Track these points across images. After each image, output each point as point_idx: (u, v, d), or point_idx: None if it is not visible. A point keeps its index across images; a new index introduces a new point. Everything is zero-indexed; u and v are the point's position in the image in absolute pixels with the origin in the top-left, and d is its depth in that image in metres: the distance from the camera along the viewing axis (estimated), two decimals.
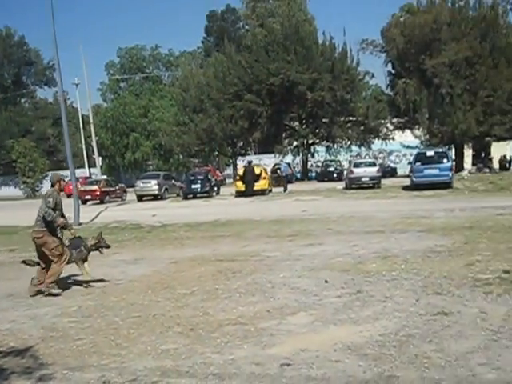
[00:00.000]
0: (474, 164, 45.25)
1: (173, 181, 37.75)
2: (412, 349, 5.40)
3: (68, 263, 9.09)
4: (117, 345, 6.00)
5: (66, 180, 9.61)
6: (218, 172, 47.24)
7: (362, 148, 50.28)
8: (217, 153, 54.14)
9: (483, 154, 46.81)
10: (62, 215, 9.13)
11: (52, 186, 9.28)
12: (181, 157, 57.46)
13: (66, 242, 9.19)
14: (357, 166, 34.40)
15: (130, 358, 5.53)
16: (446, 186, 27.44)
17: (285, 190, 33.91)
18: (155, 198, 34.51)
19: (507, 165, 47.12)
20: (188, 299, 7.85)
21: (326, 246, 12.00)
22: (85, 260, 9.34)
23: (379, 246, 11.64)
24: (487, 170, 41.38)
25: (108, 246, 9.74)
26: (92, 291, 8.90)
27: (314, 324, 6.39)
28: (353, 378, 4.80)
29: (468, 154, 46.11)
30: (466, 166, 42.96)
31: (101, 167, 57.99)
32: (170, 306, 7.54)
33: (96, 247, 9.48)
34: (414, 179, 28.90)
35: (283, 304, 7.30)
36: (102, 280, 9.56)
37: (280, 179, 36.93)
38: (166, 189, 35.39)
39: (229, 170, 57.56)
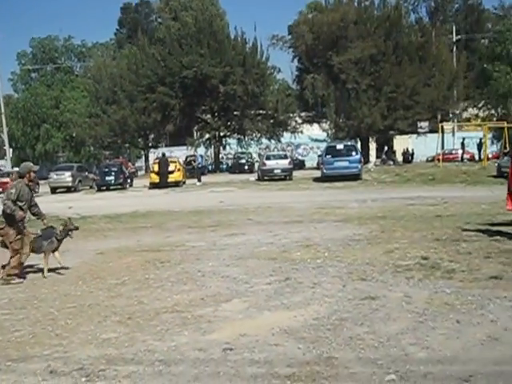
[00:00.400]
0: (378, 157, 46.94)
1: (86, 173, 36.81)
2: (346, 331, 5.64)
3: (38, 253, 9.00)
4: (56, 335, 5.88)
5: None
6: (130, 164, 46.43)
7: (272, 141, 51.01)
8: (128, 145, 53.20)
9: (386, 148, 48.63)
10: (32, 206, 8.89)
11: (21, 177, 8.93)
12: (92, 149, 56.07)
13: (39, 232, 9.09)
14: (269, 158, 34.93)
15: (72, 348, 5.45)
16: (355, 177, 28.41)
17: (199, 181, 33.90)
18: (68, 190, 33.52)
19: (409, 157, 49.28)
20: (120, 289, 7.78)
21: (249, 236, 12.17)
22: (55, 250, 9.14)
23: (300, 235, 11.93)
24: (391, 163, 43.10)
25: (76, 228, 9.56)
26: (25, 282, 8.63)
27: (249, 310, 6.52)
28: (294, 359, 4.96)
29: (372, 147, 47.80)
30: (371, 158, 44.52)
31: (11, 159, 55.58)
32: (104, 296, 7.45)
33: (66, 232, 9.25)
34: (325, 171, 29.71)
35: (216, 292, 7.38)
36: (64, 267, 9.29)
37: (194, 171, 36.88)
38: (80, 181, 34.48)
39: (140, 162, 56.76)
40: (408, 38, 44.38)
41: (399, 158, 48.05)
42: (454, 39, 58.08)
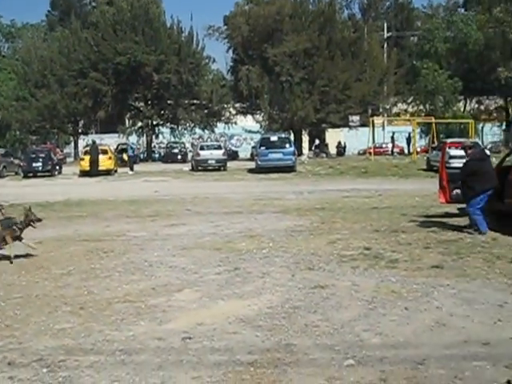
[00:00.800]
0: (310, 149, 47.59)
1: (11, 158, 35.55)
2: (300, 319, 5.79)
3: None
4: (7, 326, 5.72)
5: None
6: (58, 150, 45.10)
7: (206, 131, 50.82)
8: (57, 130, 51.66)
9: (317, 141, 49.37)
10: None
11: None
12: (18, 133, 54.07)
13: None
14: (203, 148, 34.83)
15: (26, 339, 5.32)
16: (290, 169, 28.79)
17: (131, 170, 33.43)
18: None
19: (342, 150, 50.35)
20: (67, 279, 7.64)
21: (190, 226, 12.17)
22: (17, 239, 8.91)
23: (242, 226, 12.04)
24: (324, 155, 43.84)
25: (39, 220, 9.30)
26: None
27: (203, 300, 6.57)
28: (254, 347, 5.06)
29: (305, 139, 48.43)
30: (304, 151, 45.11)
31: None
32: (51, 286, 7.29)
33: (27, 223, 9.02)
34: (259, 162, 29.93)
35: (166, 282, 7.38)
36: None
37: (126, 159, 36.30)
38: (5, 166, 33.24)
39: (69, 149, 55.24)
40: (341, 34, 45.13)
41: (333, 150, 48.95)
42: (385, 36, 59.53)
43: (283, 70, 42.63)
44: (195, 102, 48.06)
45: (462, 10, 57.29)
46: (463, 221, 11.49)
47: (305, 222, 12.18)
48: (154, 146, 53.08)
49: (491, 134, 51.83)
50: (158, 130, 50.25)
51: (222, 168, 32.95)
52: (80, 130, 51.51)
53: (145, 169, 35.33)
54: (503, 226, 10.55)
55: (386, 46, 57.02)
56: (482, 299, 6.33)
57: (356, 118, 48.55)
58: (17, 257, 8.80)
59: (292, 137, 44.64)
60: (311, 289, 6.87)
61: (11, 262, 8.65)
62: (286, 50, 42.39)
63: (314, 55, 43.30)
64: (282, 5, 44.16)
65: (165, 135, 51.07)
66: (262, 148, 30.31)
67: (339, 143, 51.24)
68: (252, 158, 41.19)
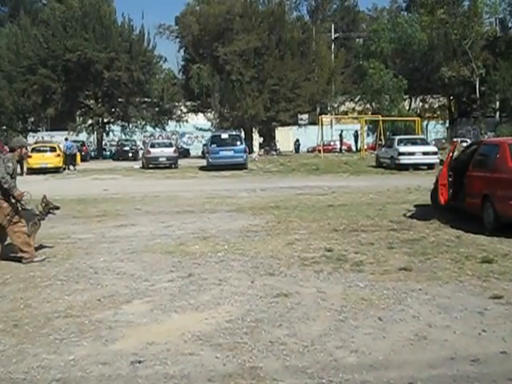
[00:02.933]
0: (261, 147, 46.99)
1: None
2: (265, 335, 5.01)
3: None
4: None
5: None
6: (6, 148, 42.96)
7: (157, 129, 49.52)
8: (5, 127, 49.38)
9: (261, 139, 48.88)
10: None
11: (11, 150, 8.10)
12: None
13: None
14: (154, 146, 33.71)
15: None
16: (241, 166, 28.01)
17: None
18: None
19: (298, 148, 50.41)
20: (2, 289, 6.62)
21: (140, 227, 11.21)
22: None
23: (194, 226, 11.18)
24: (274, 153, 43.27)
25: (57, 207, 9.06)
26: None
27: (154, 313, 5.70)
28: (214, 372, 4.25)
29: (256, 137, 47.78)
30: (254, 148, 44.43)
31: None
32: None
33: (46, 212, 8.74)
34: (211, 160, 29.05)
35: (113, 291, 6.48)
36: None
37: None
38: None
39: None
40: (290, 34, 44.78)
41: (283, 148, 48.69)
42: (333, 37, 59.49)
43: (234, 68, 41.87)
44: (146, 100, 46.73)
45: (405, 14, 57.54)
46: (420, 218, 11.03)
47: (260, 222, 11.41)
48: (105, 144, 51.46)
49: (435, 131, 52.26)
50: (109, 127, 48.62)
51: (173, 166, 31.87)
52: (29, 128, 49.37)
53: (95, 166, 33.91)
54: (464, 222, 10.12)
55: (333, 46, 56.99)
56: (459, 306, 5.70)
57: (305, 116, 48.31)
58: None
59: (242, 135, 44.10)
60: (274, 297, 6.09)
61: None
62: (237, 49, 41.67)
63: (264, 54, 42.77)
64: (232, 4, 43.53)
65: (115, 133, 49.48)
66: (213, 145, 29.41)
67: (297, 140, 51.22)
68: (203, 156, 40.31)
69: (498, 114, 52.33)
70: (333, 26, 61.00)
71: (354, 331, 5.06)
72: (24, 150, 8.49)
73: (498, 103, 51.63)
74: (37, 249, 8.56)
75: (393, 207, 12.86)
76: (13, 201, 8.03)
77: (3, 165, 7.84)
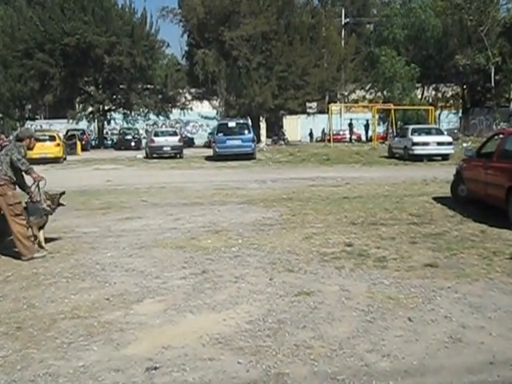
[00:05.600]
0: (268, 136, 46.76)
1: None
2: (289, 338, 4.83)
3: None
4: None
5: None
6: (3, 136, 42.85)
7: (160, 117, 49.28)
8: (1, 115, 49.21)
9: (265, 128, 48.69)
10: None
11: (19, 140, 8.08)
12: None
13: (23, 205, 8.14)
14: (157, 134, 33.46)
15: None
16: (249, 156, 27.79)
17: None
18: None
19: (312, 136, 50.31)
20: (3, 288, 6.44)
21: (147, 220, 11.02)
22: (42, 227, 8.40)
23: (205, 219, 10.99)
24: (282, 143, 43.02)
25: (63, 192, 8.89)
26: None
27: (168, 313, 5.53)
28: (237, 379, 4.08)
29: (263, 126, 47.51)
30: (262, 138, 44.18)
31: None
32: None
33: (56, 205, 8.64)
34: (218, 150, 28.83)
35: (123, 290, 6.30)
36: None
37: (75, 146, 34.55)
38: None
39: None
40: (300, 18, 44.24)
41: (298, 137, 48.51)
42: (343, 22, 59.00)
43: (240, 54, 41.46)
44: (149, 86, 46.43)
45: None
46: (440, 212, 10.84)
47: (273, 214, 11.21)
48: (106, 133, 51.27)
49: (447, 121, 51.83)
50: (110, 115, 48.48)
51: (178, 155, 31.69)
52: (27, 115, 49.15)
53: (96, 156, 33.72)
54: (487, 216, 9.93)
55: (343, 32, 56.48)
56: (492, 305, 5.53)
57: (313, 104, 48.06)
58: None
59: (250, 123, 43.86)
60: (295, 296, 5.91)
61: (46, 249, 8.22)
62: (244, 34, 41.15)
63: (273, 39, 42.28)
64: None
65: (117, 121, 49.37)
66: (220, 134, 29.18)
67: (311, 130, 51.16)
68: (208, 145, 40.15)
69: None
70: (343, 11, 60.45)
71: (383, 333, 4.88)
72: (33, 141, 8.33)
73: None
74: (46, 242, 8.42)
75: (410, 200, 12.65)
76: (18, 190, 7.99)
77: (16, 149, 7.82)
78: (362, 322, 5.17)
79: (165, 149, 31.71)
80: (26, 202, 8.31)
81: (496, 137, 11.63)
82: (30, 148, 8.21)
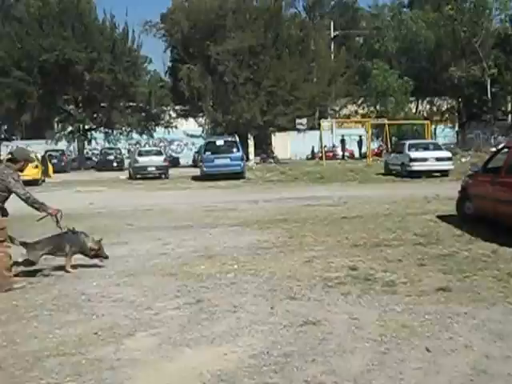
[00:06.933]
0: (256, 154, 46.64)
1: None
2: (298, 373, 4.59)
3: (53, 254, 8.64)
4: None
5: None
6: None
7: (143, 136, 49.01)
8: None
9: (249, 145, 48.49)
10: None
11: (11, 161, 7.86)
12: None
13: (62, 230, 8.63)
14: (141, 154, 33.32)
15: None
16: (239, 176, 27.66)
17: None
18: None
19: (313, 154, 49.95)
20: None
21: (134, 245, 10.75)
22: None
23: (196, 243, 10.74)
24: (271, 161, 42.92)
25: (106, 257, 8.89)
26: None
27: (163, 348, 5.27)
28: None
29: (251, 143, 47.42)
30: (250, 156, 44.07)
31: None
32: None
33: (94, 254, 8.81)
34: (205, 169, 28.70)
35: (112, 322, 6.03)
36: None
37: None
38: None
39: None
40: (288, 32, 44.59)
41: (287, 155, 48.18)
42: (332, 35, 59.41)
43: (227, 69, 41.67)
44: (131, 104, 46.07)
45: (408, 10, 57.40)
46: (447, 231, 10.69)
47: (269, 237, 10.99)
48: (87, 153, 50.89)
49: (443, 135, 52.01)
50: (91, 134, 48.05)
51: (164, 176, 31.49)
52: (2, 136, 48.69)
53: (77, 177, 33.45)
54: (496, 234, 9.77)
55: (332, 45, 56.86)
56: None
57: (304, 120, 48.08)
58: None
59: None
60: (300, 326, 5.68)
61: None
62: (230, 48, 41.38)
63: (260, 54, 42.52)
64: (224, 0, 43.19)
65: (98, 141, 48.97)
66: (208, 153, 29.07)
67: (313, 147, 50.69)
68: (194, 165, 39.97)
69: (510, 116, 52.19)
70: (332, 24, 60.92)
71: (400, 365, 4.66)
72: (27, 165, 8.18)
73: (510, 105, 51.51)
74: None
75: (413, 218, 12.50)
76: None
77: (13, 181, 7.60)
78: (376, 353, 4.95)
79: (149, 169, 31.53)
80: (67, 232, 8.65)
81: (502, 151, 11.52)
82: (21, 170, 7.96)
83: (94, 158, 49.51)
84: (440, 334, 5.35)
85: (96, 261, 8.86)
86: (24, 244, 8.41)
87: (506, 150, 11.29)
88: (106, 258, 8.92)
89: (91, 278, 8.13)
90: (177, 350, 5.20)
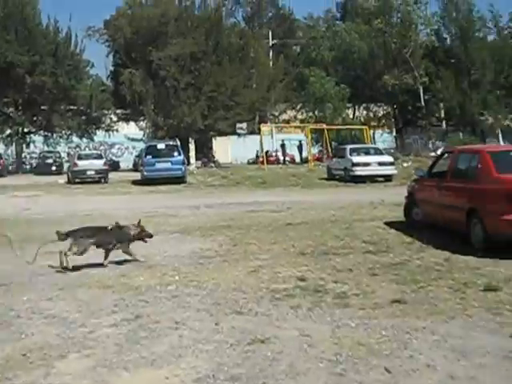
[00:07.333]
0: (197, 158, 45.91)
1: None
2: None
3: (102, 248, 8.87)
4: None
5: None
6: None
7: (84, 139, 47.55)
8: None
9: (190, 149, 47.69)
10: None
11: None
12: None
13: (109, 226, 9.01)
14: (81, 158, 32.16)
15: None
16: (180, 180, 26.96)
17: None
18: None
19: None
20: None
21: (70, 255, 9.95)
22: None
23: (135, 252, 10.00)
24: (212, 165, 42.32)
25: (151, 236, 9.25)
26: None
27: (97, 371, 4.64)
28: None
29: (192, 148, 46.68)
30: (191, 160, 43.32)
31: None
32: None
33: (139, 237, 9.08)
34: (146, 173, 27.91)
35: (43, 342, 5.34)
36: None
37: None
38: None
39: None
40: (228, 39, 44.52)
41: (228, 159, 47.57)
42: (271, 43, 59.59)
43: (168, 74, 40.98)
44: (72, 107, 44.60)
45: (340, 23, 58.09)
46: (396, 238, 10.34)
47: (212, 245, 10.40)
48: (25, 157, 49.00)
49: (382, 140, 52.50)
50: (30, 138, 46.24)
51: (103, 180, 30.38)
52: None
53: (13, 182, 31.89)
54: (447, 241, 9.48)
55: (271, 53, 56.93)
56: (479, 349, 4.91)
57: (244, 125, 47.80)
58: None
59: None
60: (248, 345, 5.13)
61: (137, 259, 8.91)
62: (172, 54, 40.78)
63: (201, 59, 42.13)
64: (166, 8, 42.79)
65: (37, 144, 47.17)
66: (149, 157, 28.29)
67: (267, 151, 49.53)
68: (135, 169, 38.95)
69: (444, 122, 53.30)
70: (270, 33, 61.15)
71: None
72: None
73: (442, 112, 52.61)
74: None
75: (361, 225, 12.11)
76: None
77: None
78: (332, 375, 4.45)
79: (89, 173, 30.42)
80: (112, 228, 8.93)
81: (446, 155, 11.32)
82: None
83: (32, 162, 47.76)
84: (399, 351, 4.90)
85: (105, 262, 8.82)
86: (68, 234, 8.81)
87: (447, 154, 11.11)
88: (151, 236, 9.24)
89: (21, 291, 7.36)
90: (113, 374, 4.58)
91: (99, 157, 32.97)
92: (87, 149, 47.15)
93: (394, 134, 55.32)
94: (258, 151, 46.98)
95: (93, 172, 30.51)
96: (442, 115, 52.88)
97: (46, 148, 46.40)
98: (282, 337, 5.33)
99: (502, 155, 9.90)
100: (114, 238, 8.85)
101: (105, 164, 31.80)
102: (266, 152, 46.59)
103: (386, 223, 12.11)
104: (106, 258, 8.82)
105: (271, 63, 52.32)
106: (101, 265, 8.77)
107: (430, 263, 8.18)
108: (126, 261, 8.96)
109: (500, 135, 43.13)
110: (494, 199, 8.68)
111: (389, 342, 5.09)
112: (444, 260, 8.34)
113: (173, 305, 6.55)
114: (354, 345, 5.05)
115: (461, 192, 9.51)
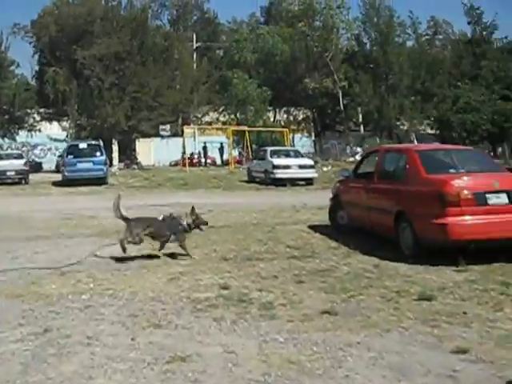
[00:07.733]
0: (120, 160, 44.48)
1: None
2: None
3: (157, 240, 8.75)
4: None
5: None
6: None
7: (5, 139, 45.10)
8: None
9: (113, 150, 46.26)
10: None
11: None
12: None
13: (161, 218, 8.75)
14: (1, 157, 30.25)
15: None
16: (101, 181, 25.75)
17: None
18: None
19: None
20: None
21: None
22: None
23: (48, 256, 9.17)
24: (135, 167, 41.08)
25: (206, 223, 9.00)
26: None
27: None
28: None
29: (115, 149, 45.21)
30: (114, 161, 41.89)
31: None
32: None
33: (195, 225, 8.73)
34: (67, 174, 26.54)
35: None
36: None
37: None
38: None
39: None
40: (153, 40, 43.37)
41: (151, 161, 46.41)
42: (195, 46, 58.79)
43: (93, 73, 39.36)
44: None
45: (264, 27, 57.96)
46: (321, 243, 9.87)
47: (131, 249, 9.61)
48: None
49: (300, 144, 52.57)
50: None
51: (24, 181, 28.54)
52: None
53: None
54: (375, 247, 9.06)
55: (195, 56, 56.12)
56: (418, 366, 4.44)
57: (167, 127, 46.90)
58: None
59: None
60: (167, 363, 4.51)
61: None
62: (96, 53, 39.21)
63: (126, 60, 40.77)
64: (92, 7, 41.07)
65: None
66: (70, 157, 26.90)
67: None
68: (57, 170, 37.17)
69: (362, 127, 53.98)
70: (194, 36, 60.42)
71: None
72: None
73: (361, 116, 53.31)
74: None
75: (284, 229, 11.53)
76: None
77: None
78: None
79: (8, 173, 28.54)
80: (164, 219, 8.67)
81: (371, 155, 10.89)
82: None
83: None
84: (333, 371, 4.37)
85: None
86: (126, 220, 8.79)
87: (373, 154, 10.68)
88: (206, 224, 9.01)
89: None
90: None
91: (19, 157, 31.12)
92: (9, 149, 44.76)
93: (313, 138, 55.53)
94: (182, 153, 46.07)
95: (12, 172, 28.66)
96: (360, 120, 53.55)
97: None
98: (205, 354, 4.72)
99: (431, 154, 9.46)
100: (167, 229, 8.58)
101: (25, 164, 29.99)
102: (191, 154, 45.85)
103: (310, 227, 11.59)
104: (160, 249, 8.78)
105: (195, 65, 51.59)
106: (156, 256, 8.74)
107: (359, 270, 7.68)
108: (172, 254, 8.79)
109: (415, 141, 43.75)
110: (423, 201, 8.16)
111: (321, 360, 4.57)
112: (373, 266, 7.85)
113: (85, 316, 5.82)
114: (284, 363, 4.50)
115: (388, 194, 9.02)
